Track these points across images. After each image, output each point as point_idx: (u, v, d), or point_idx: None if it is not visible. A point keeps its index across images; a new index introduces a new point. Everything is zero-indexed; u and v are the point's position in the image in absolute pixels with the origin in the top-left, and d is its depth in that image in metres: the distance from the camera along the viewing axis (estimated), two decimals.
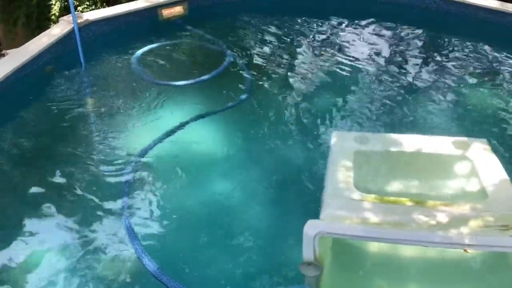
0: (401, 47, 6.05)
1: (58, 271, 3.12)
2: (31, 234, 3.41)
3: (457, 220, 2.75)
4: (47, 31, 5.44)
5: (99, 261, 3.20)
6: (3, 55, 6.46)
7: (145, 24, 6.09)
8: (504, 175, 3.19)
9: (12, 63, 4.82)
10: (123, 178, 3.86)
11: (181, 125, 4.44)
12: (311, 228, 2.75)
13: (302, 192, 3.82)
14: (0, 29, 7.21)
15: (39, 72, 5.06)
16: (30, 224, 3.50)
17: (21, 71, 4.83)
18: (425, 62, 5.73)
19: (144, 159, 4.07)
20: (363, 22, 6.57)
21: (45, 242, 3.34)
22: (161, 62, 5.52)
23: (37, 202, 3.65)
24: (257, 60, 5.64)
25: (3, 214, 3.59)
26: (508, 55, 5.82)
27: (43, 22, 7.14)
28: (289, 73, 5.42)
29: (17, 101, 4.71)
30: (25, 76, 4.89)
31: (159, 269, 3.12)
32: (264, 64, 5.57)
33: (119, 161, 4.04)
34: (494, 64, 5.67)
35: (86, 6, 6.97)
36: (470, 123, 4.62)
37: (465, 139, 3.60)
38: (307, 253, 2.76)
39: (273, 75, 5.36)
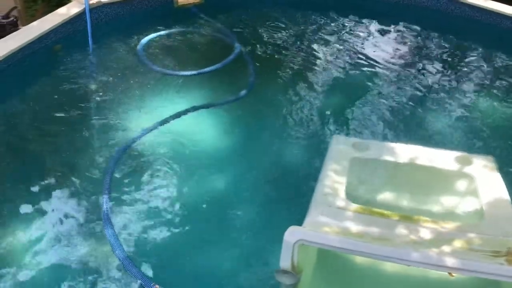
0: (418, 52, 5.85)
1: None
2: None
3: (444, 239, 2.60)
4: (58, 10, 5.43)
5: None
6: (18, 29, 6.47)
7: (158, 10, 6.03)
8: (505, 195, 3.00)
9: (20, 40, 4.81)
10: (113, 162, 3.82)
11: (178, 115, 4.38)
12: (291, 235, 2.64)
13: (298, 192, 3.70)
14: (20, 5, 7.24)
15: (46, 50, 5.05)
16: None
17: (28, 48, 4.83)
18: (443, 70, 5.52)
19: (135, 146, 4.02)
20: (382, 23, 6.37)
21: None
22: (168, 49, 5.47)
23: (31, 175, 3.67)
24: (267, 54, 5.54)
25: None
26: None
27: (62, 0, 7.16)
28: (298, 69, 5.30)
29: (22, 77, 4.71)
30: (32, 53, 4.89)
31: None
32: (273, 58, 5.47)
33: (112, 144, 4.01)
34: None
35: None
36: (480, 137, 4.41)
37: (469, 155, 3.41)
38: (285, 261, 2.66)
39: (281, 70, 5.24)
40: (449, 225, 2.71)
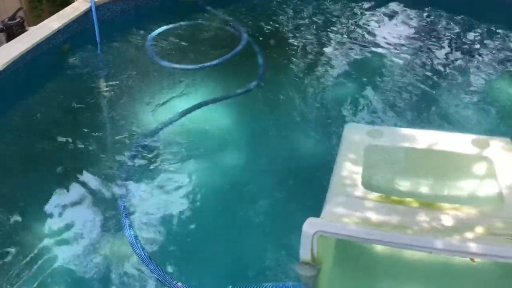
0: (431, 34, 5.74)
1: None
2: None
3: (465, 225, 2.57)
4: (65, 9, 5.43)
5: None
6: (26, 31, 6.48)
7: (164, 4, 6.00)
8: None
9: (28, 41, 4.82)
10: (128, 157, 3.85)
11: (190, 110, 4.37)
12: (310, 226, 2.62)
13: (312, 183, 3.69)
14: (25, 5, 7.24)
15: (55, 50, 5.06)
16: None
17: (37, 50, 4.85)
18: (456, 52, 5.42)
19: (151, 141, 4.03)
20: (390, 7, 6.27)
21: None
22: (176, 43, 5.45)
23: (44, 173, 3.73)
24: (275, 44, 5.50)
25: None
26: None
27: None
28: (307, 57, 5.25)
29: (33, 78, 4.73)
30: (41, 54, 4.90)
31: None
32: (282, 49, 5.42)
33: (125, 140, 4.03)
34: None
35: None
36: (497, 120, 4.34)
37: (486, 137, 3.37)
38: (304, 252, 2.65)
39: (290, 61, 5.20)
40: (469, 210, 2.68)
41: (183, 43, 5.51)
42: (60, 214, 3.43)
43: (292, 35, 5.70)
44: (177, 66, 5.03)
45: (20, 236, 3.25)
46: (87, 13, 5.33)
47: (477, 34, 5.74)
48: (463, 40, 5.62)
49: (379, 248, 3.02)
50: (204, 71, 5.00)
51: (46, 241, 3.21)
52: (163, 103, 4.51)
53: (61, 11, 5.39)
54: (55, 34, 5.04)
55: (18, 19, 6.13)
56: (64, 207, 3.49)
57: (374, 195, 2.86)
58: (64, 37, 5.16)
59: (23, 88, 4.63)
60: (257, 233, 3.36)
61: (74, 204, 3.52)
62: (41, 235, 3.26)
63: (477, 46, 5.50)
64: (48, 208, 3.46)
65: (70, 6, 5.62)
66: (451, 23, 5.96)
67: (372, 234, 2.59)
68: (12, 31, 6.02)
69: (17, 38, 4.99)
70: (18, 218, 3.38)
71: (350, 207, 2.79)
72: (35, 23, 7.01)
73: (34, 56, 4.79)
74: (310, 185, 3.64)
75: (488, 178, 3.12)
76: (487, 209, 2.70)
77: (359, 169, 3.11)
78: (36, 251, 3.13)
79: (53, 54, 5.04)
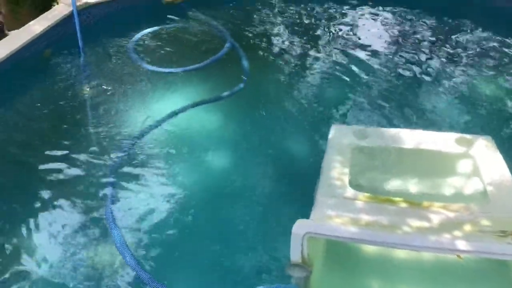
0: (414, 34, 5.82)
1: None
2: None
3: (452, 223, 2.62)
4: (46, 13, 5.36)
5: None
6: (6, 35, 6.38)
7: (146, 7, 5.97)
8: (508, 175, 3.03)
9: (9, 46, 4.74)
10: (112, 163, 3.81)
11: (174, 113, 4.36)
12: (299, 228, 2.64)
13: (298, 185, 3.71)
14: (4, 9, 7.12)
15: (37, 55, 4.99)
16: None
17: (19, 54, 4.76)
18: (438, 51, 5.51)
19: (137, 144, 4.02)
20: (372, 10, 6.34)
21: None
22: (159, 46, 5.43)
23: (30, 182, 3.68)
24: (259, 47, 5.52)
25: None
26: None
27: (48, 3, 7.05)
28: (291, 59, 5.28)
29: (15, 84, 4.66)
30: (23, 59, 4.81)
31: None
32: (266, 52, 5.44)
33: (110, 146, 4.00)
34: None
35: None
36: (478, 118, 4.43)
37: (468, 136, 3.43)
38: (295, 254, 2.67)
39: (274, 63, 5.23)
40: (457, 208, 2.73)
41: (166, 46, 5.49)
42: (46, 221, 3.39)
43: (275, 38, 5.71)
44: (160, 69, 5.01)
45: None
46: (69, 17, 5.26)
47: (459, 37, 5.84)
48: (445, 42, 5.71)
49: (369, 247, 3.05)
50: (187, 74, 4.98)
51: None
52: (147, 107, 4.48)
53: (42, 15, 5.32)
54: (37, 39, 4.96)
55: None
56: (50, 214, 3.45)
57: (362, 195, 2.89)
58: (46, 42, 5.09)
59: (3, 94, 4.54)
60: (245, 236, 3.36)
61: (59, 210, 3.48)
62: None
63: (459, 48, 5.60)
64: (32, 215, 3.41)
65: (52, 10, 5.55)
66: (432, 26, 6.05)
67: (362, 234, 2.63)
68: None
69: None
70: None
71: (339, 208, 2.82)
72: (15, 27, 6.91)
73: (15, 62, 4.71)
74: (298, 187, 3.65)
75: (472, 176, 3.19)
76: (473, 207, 2.76)
77: (346, 170, 3.14)
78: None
79: (35, 59, 4.96)
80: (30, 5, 7.12)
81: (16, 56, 4.73)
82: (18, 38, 4.91)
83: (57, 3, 6.53)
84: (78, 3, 5.28)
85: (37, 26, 5.11)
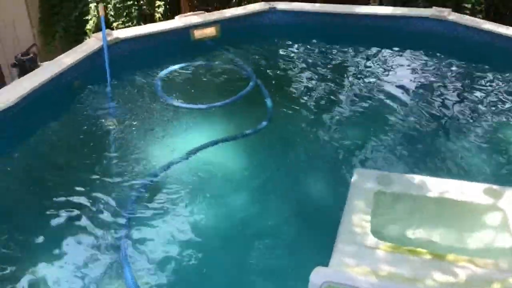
0: (439, 80, 5.76)
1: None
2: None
3: (479, 280, 2.49)
4: (77, 47, 5.51)
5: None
6: (38, 66, 6.60)
7: (175, 44, 6.09)
8: None
9: (41, 76, 4.87)
10: (135, 195, 3.80)
11: (198, 149, 4.33)
12: (317, 276, 2.55)
13: (320, 229, 3.61)
14: (39, 41, 7.40)
15: (66, 86, 5.11)
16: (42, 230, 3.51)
17: (49, 85, 4.87)
18: (464, 97, 5.42)
19: (158, 179, 4.00)
20: (399, 53, 6.34)
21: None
22: (186, 83, 5.49)
23: (52, 210, 3.67)
24: (284, 86, 5.51)
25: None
26: None
27: (80, 36, 7.31)
28: (315, 99, 5.26)
29: (44, 113, 4.75)
30: (53, 89, 4.92)
31: None
32: (291, 91, 5.44)
33: (133, 179, 3.98)
34: None
35: (121, 22, 7.08)
36: (507, 168, 4.27)
37: (498, 187, 3.31)
38: None
39: (298, 103, 5.20)
40: (483, 264, 2.60)
41: (192, 82, 5.56)
42: (61, 252, 3.36)
43: (299, 78, 5.72)
44: (186, 105, 5.05)
45: None
46: (99, 51, 5.40)
47: (483, 81, 5.76)
48: (472, 88, 5.63)
49: None
50: (212, 111, 5.01)
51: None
52: (171, 142, 4.49)
53: (73, 48, 5.47)
54: (67, 70, 5.09)
55: (31, 55, 6.26)
56: (67, 245, 3.42)
57: (384, 245, 2.79)
58: (76, 74, 5.21)
59: (34, 124, 4.62)
60: (264, 279, 3.26)
61: (76, 241, 3.46)
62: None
63: (487, 93, 5.50)
64: (49, 245, 3.40)
65: (83, 43, 5.72)
66: (457, 70, 6.00)
67: (383, 286, 2.51)
68: (25, 66, 6.13)
69: (30, 73, 5.05)
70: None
71: (360, 256, 2.72)
72: (48, 59, 7.16)
73: (46, 92, 4.81)
74: (318, 231, 3.55)
75: (501, 229, 3.05)
76: (502, 264, 2.62)
77: (368, 217, 3.05)
78: None
79: (64, 90, 5.07)
80: (61, 38, 7.40)
81: (46, 86, 4.84)
82: (49, 69, 5.05)
83: (89, 37, 6.77)
84: (108, 38, 5.44)
85: (68, 58, 5.25)
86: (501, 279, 2.48)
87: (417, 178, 3.46)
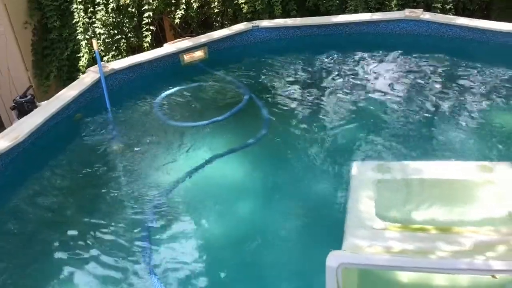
0: (422, 76, 6.04)
1: None
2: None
3: (484, 245, 2.68)
4: (75, 82, 5.71)
5: None
6: (37, 107, 6.77)
7: (167, 69, 6.32)
8: None
9: (43, 113, 5.04)
10: (148, 218, 3.96)
11: (202, 165, 4.55)
12: (333, 259, 2.70)
13: (325, 223, 3.80)
14: (34, 83, 7.59)
15: (68, 120, 5.30)
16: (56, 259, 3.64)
17: (51, 121, 5.06)
18: (447, 88, 5.70)
19: (168, 199, 4.16)
20: (380, 54, 6.65)
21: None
22: (182, 104, 5.72)
23: (63, 241, 3.81)
24: (277, 99, 5.74)
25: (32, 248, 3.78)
26: None
27: (73, 74, 7.53)
28: (308, 111, 5.49)
29: (49, 147, 4.92)
30: (55, 125, 5.11)
31: None
32: (284, 103, 5.67)
33: (144, 203, 4.15)
34: None
35: (111, 56, 7.31)
36: (494, 146, 4.53)
37: (489, 163, 3.53)
38: (331, 286, 2.72)
39: (292, 113, 5.44)
40: (486, 232, 2.79)
41: (188, 103, 5.79)
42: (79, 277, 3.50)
43: (291, 92, 5.94)
44: (184, 124, 5.26)
45: None
46: (96, 83, 5.61)
47: (466, 71, 6.06)
48: (457, 79, 5.92)
49: (402, 277, 3.08)
50: (210, 127, 5.21)
51: None
52: (175, 161, 4.68)
53: (72, 84, 5.67)
54: (68, 105, 5.28)
55: (29, 96, 6.42)
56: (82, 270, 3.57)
57: (392, 225, 2.97)
58: (76, 107, 5.40)
59: (39, 158, 4.79)
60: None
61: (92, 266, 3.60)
62: None
63: (467, 82, 5.80)
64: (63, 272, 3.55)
65: (80, 78, 5.92)
66: (435, 64, 6.30)
67: (396, 261, 2.68)
68: (24, 108, 6.28)
69: (31, 112, 5.20)
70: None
71: (371, 238, 2.88)
72: (42, 99, 7.34)
73: (49, 127, 5.00)
74: (323, 227, 3.74)
75: (497, 200, 3.26)
76: (503, 229, 2.81)
77: (372, 203, 3.23)
78: None
79: (67, 123, 5.26)
80: (55, 77, 7.60)
81: (49, 122, 5.02)
82: (50, 106, 5.21)
83: (83, 73, 6.99)
84: (104, 69, 5.66)
85: (67, 94, 5.43)
86: (504, 241, 2.67)
87: (412, 164, 3.67)
